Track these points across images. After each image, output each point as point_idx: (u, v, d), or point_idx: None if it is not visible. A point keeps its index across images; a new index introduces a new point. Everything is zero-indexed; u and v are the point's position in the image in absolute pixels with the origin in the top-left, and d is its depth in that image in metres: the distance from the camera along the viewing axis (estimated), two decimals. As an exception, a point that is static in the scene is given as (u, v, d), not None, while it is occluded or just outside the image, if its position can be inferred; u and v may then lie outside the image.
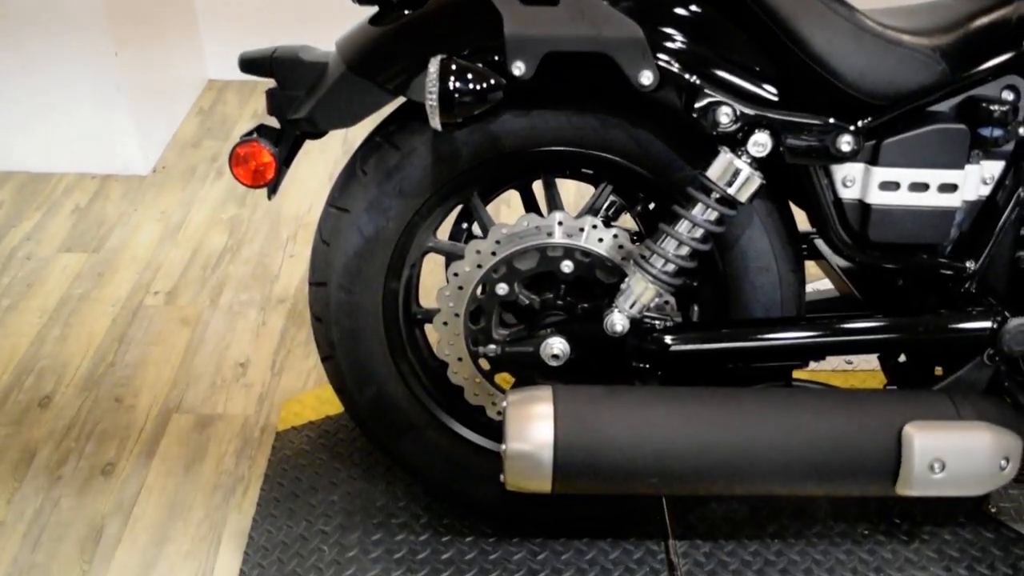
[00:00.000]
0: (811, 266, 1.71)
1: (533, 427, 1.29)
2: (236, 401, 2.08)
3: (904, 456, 1.29)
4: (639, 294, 1.39)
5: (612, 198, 1.57)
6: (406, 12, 1.40)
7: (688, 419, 1.30)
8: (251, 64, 1.45)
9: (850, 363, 2.12)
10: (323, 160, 3.02)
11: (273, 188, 1.49)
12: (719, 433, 1.30)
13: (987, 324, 1.42)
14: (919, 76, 1.31)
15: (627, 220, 1.60)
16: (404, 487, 1.82)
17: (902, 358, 1.60)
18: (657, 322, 1.45)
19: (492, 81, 1.27)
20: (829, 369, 2.11)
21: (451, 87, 1.25)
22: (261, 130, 1.47)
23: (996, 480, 1.33)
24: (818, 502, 1.78)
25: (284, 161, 1.47)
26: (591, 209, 1.53)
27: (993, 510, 1.79)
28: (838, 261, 1.64)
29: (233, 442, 1.97)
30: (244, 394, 2.10)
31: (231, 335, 2.28)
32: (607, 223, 1.52)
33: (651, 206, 1.57)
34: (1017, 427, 1.36)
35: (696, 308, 1.56)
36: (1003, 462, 1.32)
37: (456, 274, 1.49)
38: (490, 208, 1.59)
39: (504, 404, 1.33)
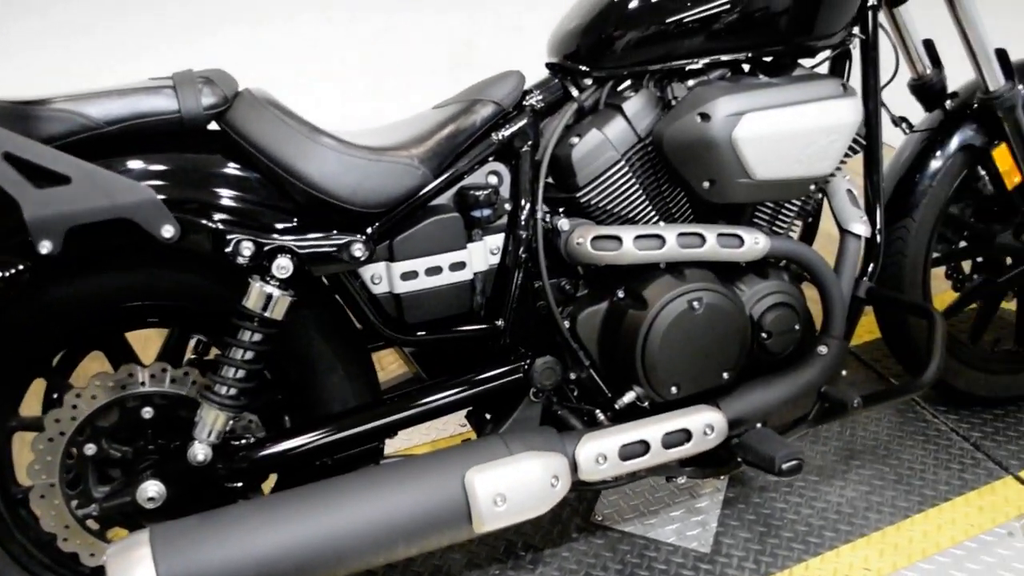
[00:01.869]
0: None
1: (135, 573, 1.36)
2: None
3: (471, 499, 1.50)
4: (212, 422, 1.52)
5: (198, 336, 1.68)
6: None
7: (279, 521, 1.43)
8: None
9: (464, 425, 2.35)
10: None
11: None
12: (310, 526, 1.44)
13: (519, 368, 1.68)
14: (405, 183, 1.55)
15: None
16: (55, 667, 1.80)
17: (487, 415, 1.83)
18: (243, 441, 1.57)
19: (19, 266, 1.36)
20: (447, 436, 2.33)
21: (-27, 279, 1.32)
22: None
23: (553, 497, 1.57)
24: (453, 557, 1.97)
25: None
26: (164, 353, 1.64)
27: (599, 518, 2.06)
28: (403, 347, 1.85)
29: None
30: None
31: None
32: (198, 361, 1.63)
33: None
34: (562, 448, 1.62)
35: (287, 417, 1.71)
36: (553, 480, 1.56)
37: (41, 446, 1.54)
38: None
39: (104, 559, 1.39)
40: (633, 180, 1.71)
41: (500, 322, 1.69)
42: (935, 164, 2.10)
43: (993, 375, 2.35)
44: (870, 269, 1.94)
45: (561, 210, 1.73)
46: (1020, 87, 2.02)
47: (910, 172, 2.12)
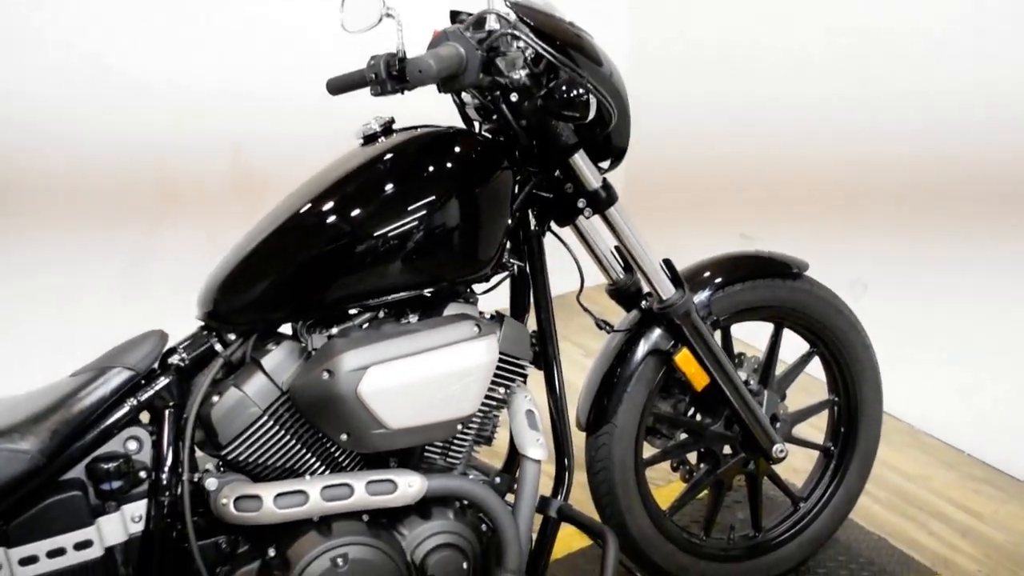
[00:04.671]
0: None
1: None
2: None
3: None
4: None
5: None
6: None
7: None
8: None
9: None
10: None
11: None
12: None
13: None
14: (9, 471, 1.51)
15: None
16: None
17: None
18: None
19: None
20: None
21: None
22: None
23: None
24: None
25: None
26: None
27: None
28: None
29: None
30: None
31: None
32: None
33: None
34: None
35: None
36: None
37: None
38: None
39: None
40: (282, 433, 1.70)
41: None
42: (631, 367, 2.14)
43: (732, 563, 2.36)
44: (563, 489, 1.95)
45: (220, 467, 1.70)
46: (692, 294, 2.09)
47: (608, 375, 2.16)
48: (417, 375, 1.66)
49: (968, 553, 2.61)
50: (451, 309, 1.79)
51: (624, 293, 2.17)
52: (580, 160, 1.90)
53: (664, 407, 2.25)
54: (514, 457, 1.98)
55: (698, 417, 2.28)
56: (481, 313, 1.87)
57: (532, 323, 1.99)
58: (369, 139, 1.84)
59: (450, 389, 1.68)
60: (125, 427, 1.65)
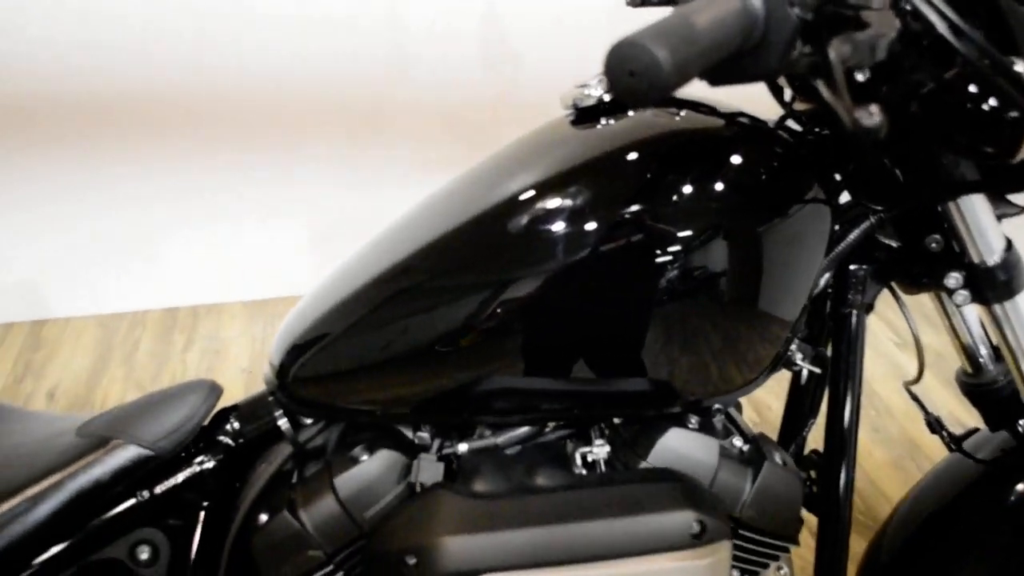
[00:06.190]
0: None
1: None
2: None
3: None
4: None
5: None
6: None
7: None
8: None
9: None
10: None
11: None
12: None
13: None
14: None
15: None
16: None
17: None
18: None
19: None
20: None
21: None
22: None
23: None
24: None
25: None
26: None
27: None
28: None
29: None
30: None
31: None
32: None
33: None
34: None
35: None
36: None
37: None
38: None
39: None
40: None
41: None
42: (983, 528, 1.27)
43: None
44: None
45: None
46: None
47: (938, 525, 1.30)
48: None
49: None
50: (671, 442, 1.03)
51: (987, 396, 1.26)
52: (977, 208, 1.00)
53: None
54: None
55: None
56: (730, 427, 1.09)
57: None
58: (585, 113, 1.05)
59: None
60: (133, 527, 1.09)
